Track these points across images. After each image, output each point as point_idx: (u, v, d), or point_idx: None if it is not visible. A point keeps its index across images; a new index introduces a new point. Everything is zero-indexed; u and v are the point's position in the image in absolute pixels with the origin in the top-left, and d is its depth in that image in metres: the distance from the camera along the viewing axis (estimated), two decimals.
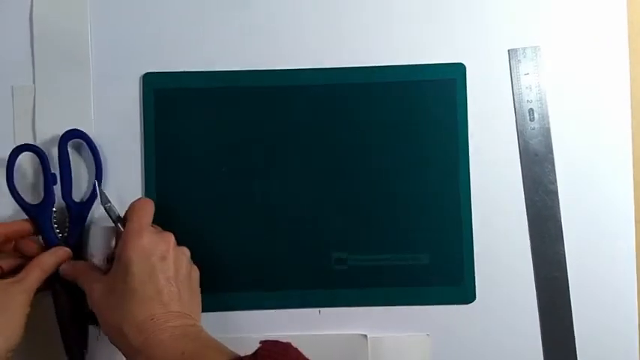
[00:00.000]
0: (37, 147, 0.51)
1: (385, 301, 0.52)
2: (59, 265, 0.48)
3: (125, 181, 0.52)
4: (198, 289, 0.48)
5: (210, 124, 0.52)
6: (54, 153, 0.51)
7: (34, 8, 0.52)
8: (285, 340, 0.42)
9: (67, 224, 0.50)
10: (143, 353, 0.41)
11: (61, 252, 0.48)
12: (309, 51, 0.53)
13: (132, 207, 0.48)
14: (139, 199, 0.49)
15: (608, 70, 0.52)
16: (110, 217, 0.49)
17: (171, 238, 0.46)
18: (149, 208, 0.48)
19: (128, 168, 0.52)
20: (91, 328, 0.50)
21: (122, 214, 0.49)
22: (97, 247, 0.50)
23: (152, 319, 0.42)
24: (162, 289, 0.43)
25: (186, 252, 0.47)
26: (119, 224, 0.48)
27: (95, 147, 0.51)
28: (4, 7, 0.53)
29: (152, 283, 0.43)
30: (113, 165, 0.52)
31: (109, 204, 0.49)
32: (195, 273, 0.48)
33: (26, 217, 0.50)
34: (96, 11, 0.53)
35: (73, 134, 0.51)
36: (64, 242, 0.50)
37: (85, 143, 0.51)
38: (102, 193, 0.49)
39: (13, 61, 0.52)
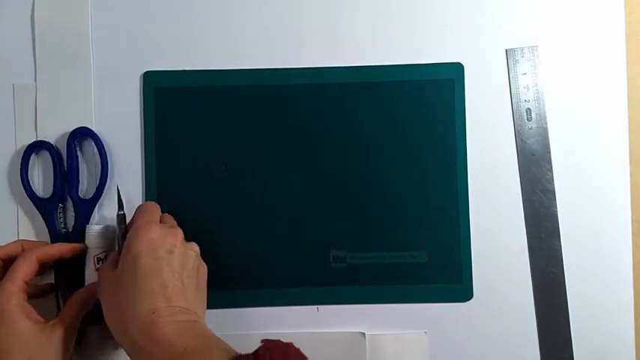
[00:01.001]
0: (52, 144, 0.52)
1: (383, 298, 0.52)
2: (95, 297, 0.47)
3: (125, 179, 0.52)
4: (205, 286, 0.47)
5: (211, 123, 0.53)
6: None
7: (35, 7, 0.53)
8: (286, 340, 0.41)
9: (73, 220, 0.52)
10: (144, 349, 0.40)
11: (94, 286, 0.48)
12: (308, 50, 0.53)
13: (139, 207, 0.48)
14: (146, 202, 0.49)
15: (606, 70, 0.53)
16: (117, 219, 0.49)
17: (179, 232, 0.46)
18: (156, 208, 0.48)
19: (129, 166, 0.52)
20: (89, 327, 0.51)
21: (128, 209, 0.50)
22: (98, 245, 0.50)
23: (154, 313, 0.40)
24: (167, 283, 0.42)
25: (194, 247, 0.46)
26: (122, 226, 0.48)
27: (103, 146, 0.52)
28: (6, 5, 0.53)
29: (157, 277, 0.42)
30: (113, 163, 0.52)
31: (122, 211, 0.49)
32: (204, 269, 0.47)
33: (33, 210, 0.52)
34: (97, 10, 0.53)
35: (82, 132, 0.52)
36: (68, 237, 0.51)
37: (92, 141, 0.52)
38: (120, 199, 0.49)
39: (14, 59, 0.53)
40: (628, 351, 0.51)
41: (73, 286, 0.50)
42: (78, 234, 0.51)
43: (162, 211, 0.50)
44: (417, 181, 0.52)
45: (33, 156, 0.52)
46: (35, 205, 0.51)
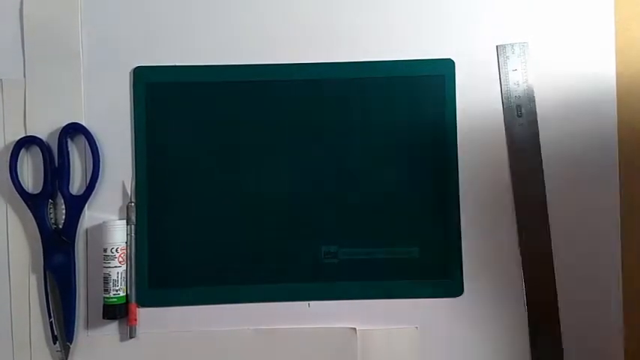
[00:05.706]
0: (43, 140, 0.51)
1: (374, 294, 0.52)
2: None
3: (116, 175, 0.52)
4: None
5: (201, 119, 0.52)
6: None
7: (24, 1, 0.52)
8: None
9: (64, 216, 0.51)
10: None
11: None
12: (299, 46, 0.53)
13: None
14: None
15: (595, 66, 0.53)
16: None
17: None
18: None
19: (119, 161, 0.52)
20: (78, 321, 0.51)
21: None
22: (112, 240, 0.50)
23: None
24: None
25: None
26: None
27: (94, 142, 0.52)
28: None
29: None
30: (104, 158, 0.52)
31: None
32: None
33: (23, 206, 0.51)
34: (87, 4, 0.53)
35: (74, 127, 0.51)
36: (59, 234, 0.51)
37: (83, 137, 0.52)
38: None
39: (3, 54, 0.52)
40: (617, 344, 0.52)
41: (62, 286, 0.50)
42: (70, 229, 0.51)
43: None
44: (408, 176, 0.52)
45: (22, 152, 0.52)
46: (25, 201, 0.51)
